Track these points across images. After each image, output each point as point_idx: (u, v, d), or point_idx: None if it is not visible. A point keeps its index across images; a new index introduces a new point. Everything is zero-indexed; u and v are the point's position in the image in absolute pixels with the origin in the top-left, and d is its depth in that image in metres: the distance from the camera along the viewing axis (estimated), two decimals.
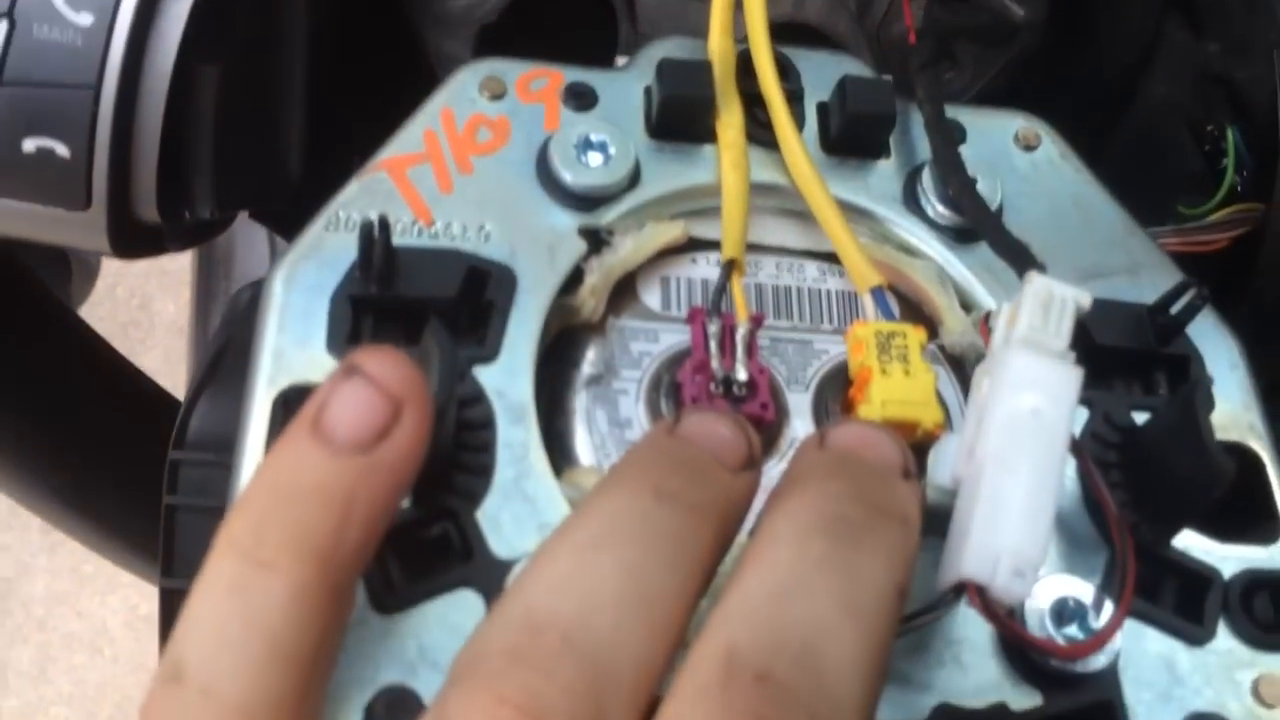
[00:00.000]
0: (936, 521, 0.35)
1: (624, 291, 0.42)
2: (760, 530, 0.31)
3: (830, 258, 0.44)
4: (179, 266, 1.64)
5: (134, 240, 0.50)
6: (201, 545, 0.52)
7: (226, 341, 0.55)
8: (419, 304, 0.39)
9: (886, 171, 0.45)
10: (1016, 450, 0.33)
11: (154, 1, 0.44)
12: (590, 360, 0.41)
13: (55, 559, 1.63)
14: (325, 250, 0.40)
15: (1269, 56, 0.51)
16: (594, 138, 0.42)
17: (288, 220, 0.66)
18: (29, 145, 0.46)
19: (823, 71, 0.47)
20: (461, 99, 0.44)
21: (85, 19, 0.43)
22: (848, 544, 0.29)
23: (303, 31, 0.54)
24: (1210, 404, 0.38)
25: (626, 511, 0.29)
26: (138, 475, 0.69)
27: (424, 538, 0.35)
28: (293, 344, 0.38)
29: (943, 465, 0.35)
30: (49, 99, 0.44)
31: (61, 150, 0.46)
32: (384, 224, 0.38)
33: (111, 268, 1.58)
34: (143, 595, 1.60)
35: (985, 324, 0.39)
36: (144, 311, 1.74)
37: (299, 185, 0.57)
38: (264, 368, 0.37)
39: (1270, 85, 0.50)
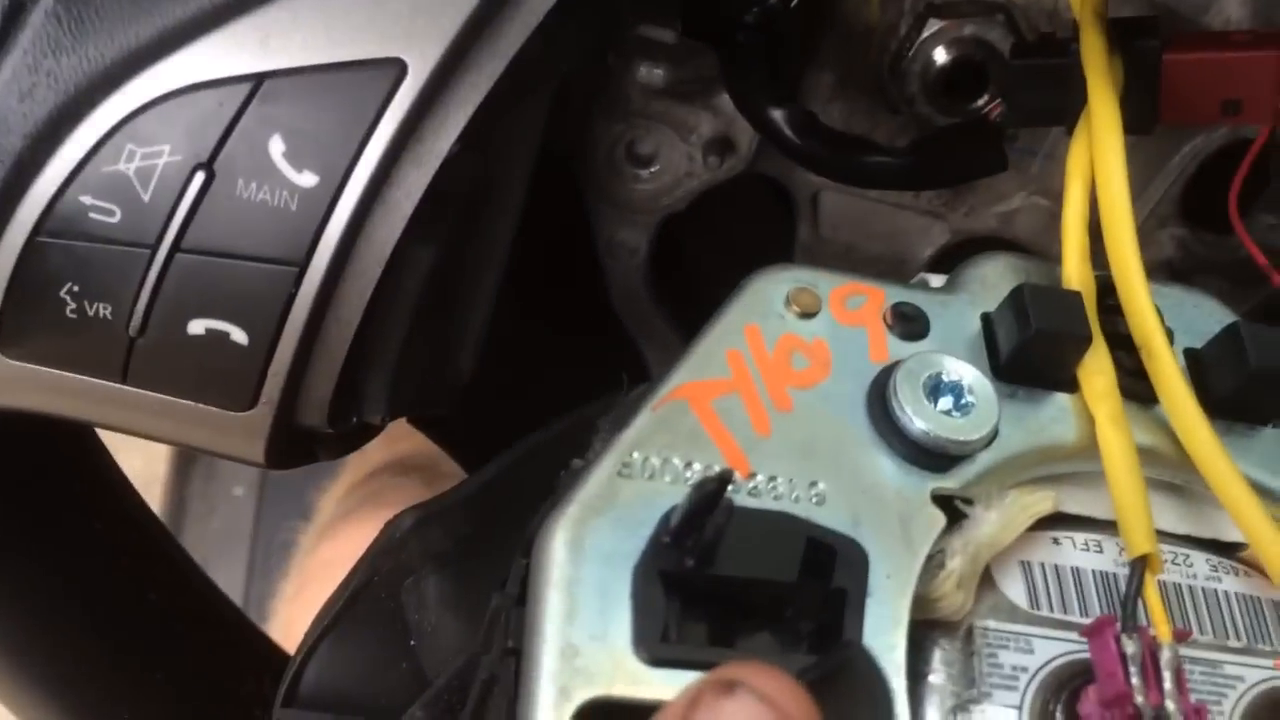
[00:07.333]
0: None
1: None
2: None
3: (1217, 547, 0.35)
4: None
5: (289, 448, 0.41)
6: None
7: (368, 581, 0.45)
8: (748, 587, 0.29)
9: None
10: None
11: (391, 166, 0.35)
12: (943, 669, 0.31)
13: None
14: (620, 504, 0.30)
15: None
16: (946, 378, 0.33)
17: (447, 425, 0.57)
18: (196, 327, 0.37)
19: (1182, 312, 0.38)
20: (768, 314, 0.34)
21: (308, 180, 0.34)
22: None
23: (509, 218, 0.45)
24: None
25: None
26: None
27: None
28: (588, 638, 0.27)
29: None
30: (236, 273, 0.35)
31: (237, 336, 0.37)
32: (725, 479, 0.28)
33: None
34: None
35: None
36: None
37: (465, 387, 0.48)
38: (548, 669, 0.27)
39: None
